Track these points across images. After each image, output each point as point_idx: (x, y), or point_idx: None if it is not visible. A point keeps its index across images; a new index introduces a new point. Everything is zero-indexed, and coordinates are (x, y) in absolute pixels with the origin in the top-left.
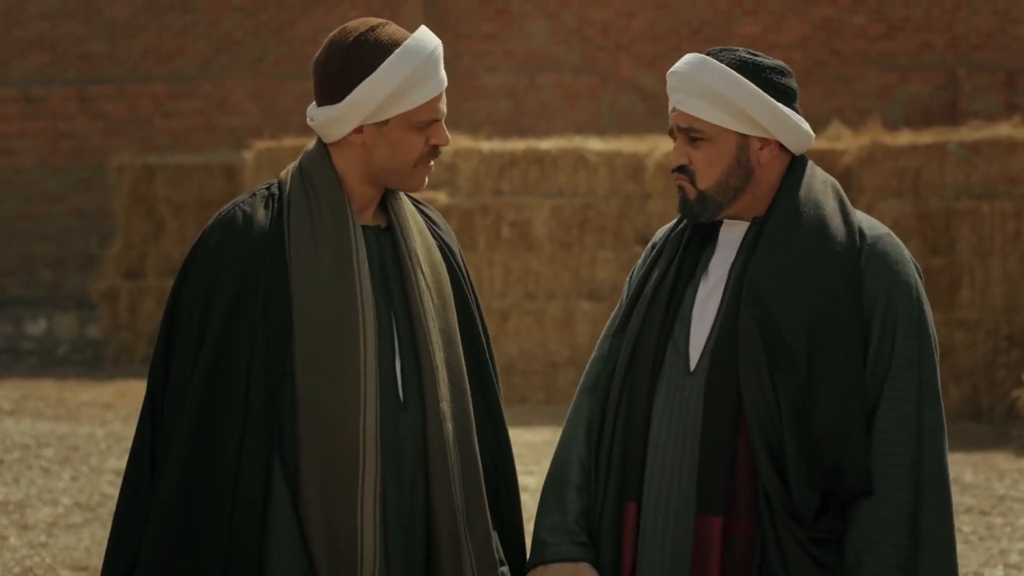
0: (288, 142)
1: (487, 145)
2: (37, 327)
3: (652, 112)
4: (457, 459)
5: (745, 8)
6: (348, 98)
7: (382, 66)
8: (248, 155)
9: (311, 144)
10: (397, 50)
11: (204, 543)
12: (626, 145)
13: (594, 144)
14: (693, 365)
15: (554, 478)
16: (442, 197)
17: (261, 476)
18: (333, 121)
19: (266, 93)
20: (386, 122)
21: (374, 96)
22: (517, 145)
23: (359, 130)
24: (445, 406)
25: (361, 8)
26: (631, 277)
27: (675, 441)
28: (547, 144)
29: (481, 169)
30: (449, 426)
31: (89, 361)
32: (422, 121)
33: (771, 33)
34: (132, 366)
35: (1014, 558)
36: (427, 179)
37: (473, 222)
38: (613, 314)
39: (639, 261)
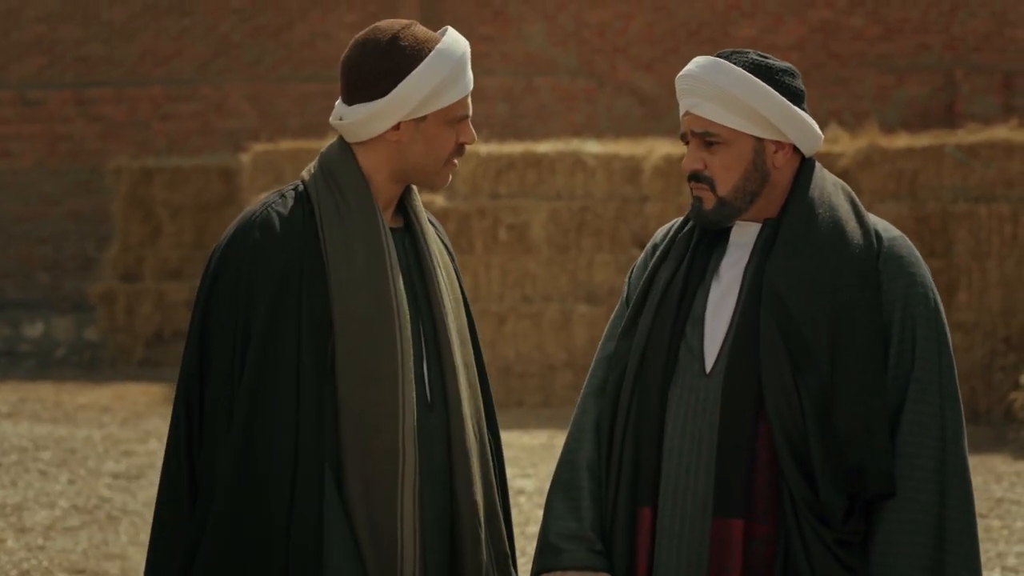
0: (286, 145)
1: (484, 148)
2: (34, 330)
3: (649, 115)
4: (476, 457)
5: (743, 10)
6: (392, 93)
7: (425, 62)
8: (246, 158)
9: (328, 145)
10: (437, 46)
11: (265, 552)
12: (623, 148)
13: (591, 147)
14: (709, 367)
15: (564, 483)
16: (439, 200)
17: (316, 480)
18: (373, 117)
19: (264, 96)
20: (424, 118)
21: (418, 91)
22: (514, 148)
23: (396, 127)
24: (466, 406)
25: (359, 12)
26: (630, 278)
27: (690, 443)
28: (544, 147)
29: (478, 172)
30: (469, 426)
31: (87, 364)
32: (456, 117)
33: (768, 35)
34: (130, 369)
35: (1011, 561)
36: (450, 178)
37: (470, 225)
38: (615, 315)
39: (638, 261)
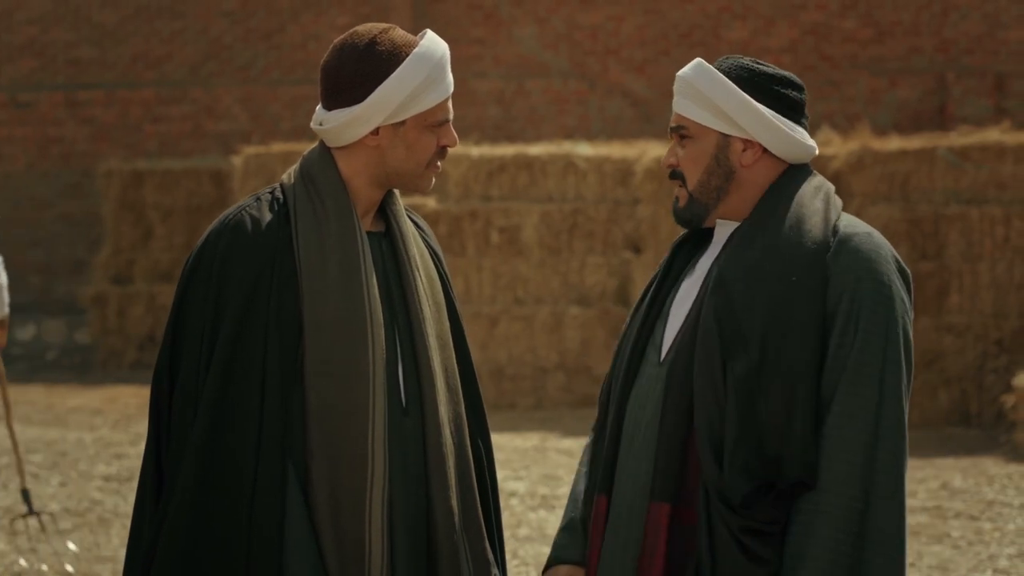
0: (277, 147)
1: (476, 150)
2: (26, 333)
3: (641, 117)
4: (454, 462)
5: (735, 13)
6: (369, 99)
7: (402, 66)
8: (237, 160)
9: (309, 149)
10: (414, 51)
11: (223, 548)
12: (615, 150)
13: (583, 149)
14: (663, 356)
15: (575, 480)
16: (431, 203)
17: (278, 481)
18: (351, 123)
19: (255, 99)
20: (403, 123)
21: (395, 96)
22: (506, 150)
23: (375, 132)
24: (443, 411)
25: (350, 15)
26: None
27: (641, 430)
28: (536, 149)
29: (470, 174)
30: (447, 431)
31: (78, 366)
32: (436, 121)
33: (760, 37)
34: (121, 371)
35: (1003, 563)
36: (434, 180)
37: (462, 227)
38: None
39: None
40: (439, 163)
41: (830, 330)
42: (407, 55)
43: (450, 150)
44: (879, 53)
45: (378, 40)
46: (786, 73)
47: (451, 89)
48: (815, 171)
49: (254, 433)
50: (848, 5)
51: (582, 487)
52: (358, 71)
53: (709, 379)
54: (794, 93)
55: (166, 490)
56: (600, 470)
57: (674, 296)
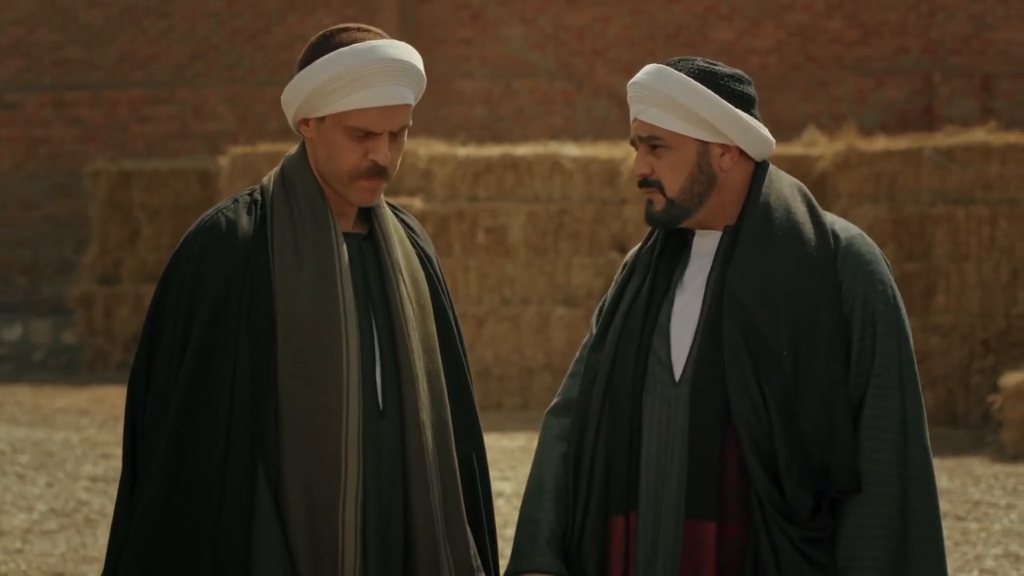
0: (264, 148)
1: (462, 151)
2: (12, 333)
3: (628, 118)
4: (436, 467)
5: (720, 13)
6: (289, 84)
7: (321, 59)
8: (224, 161)
9: (293, 149)
10: (343, 48)
11: (190, 548)
12: (602, 151)
13: (570, 150)
14: (678, 375)
15: (533, 489)
16: (417, 203)
17: (246, 481)
18: (283, 106)
19: (242, 99)
20: (322, 119)
21: (304, 85)
22: (493, 151)
23: (306, 122)
24: (425, 415)
25: (337, 14)
26: (603, 303)
27: (664, 451)
28: (523, 150)
29: (456, 175)
30: (428, 435)
31: (64, 367)
32: (355, 128)
33: (746, 38)
34: (108, 372)
35: (989, 563)
36: (377, 196)
37: (448, 228)
38: (584, 341)
39: (613, 284)
40: (378, 180)
41: (849, 335)
42: (337, 51)
43: (437, 150)
44: (865, 53)
45: (328, 34)
46: (735, 69)
47: (385, 101)
48: (772, 164)
49: (223, 435)
50: (834, 6)
51: (550, 494)
52: (301, 59)
53: (747, 399)
54: (747, 87)
55: (136, 490)
56: (616, 490)
57: (669, 311)
